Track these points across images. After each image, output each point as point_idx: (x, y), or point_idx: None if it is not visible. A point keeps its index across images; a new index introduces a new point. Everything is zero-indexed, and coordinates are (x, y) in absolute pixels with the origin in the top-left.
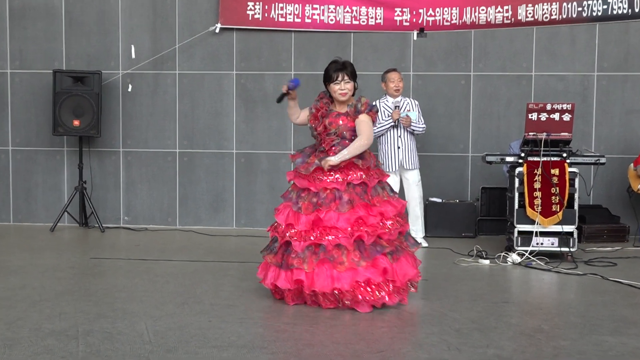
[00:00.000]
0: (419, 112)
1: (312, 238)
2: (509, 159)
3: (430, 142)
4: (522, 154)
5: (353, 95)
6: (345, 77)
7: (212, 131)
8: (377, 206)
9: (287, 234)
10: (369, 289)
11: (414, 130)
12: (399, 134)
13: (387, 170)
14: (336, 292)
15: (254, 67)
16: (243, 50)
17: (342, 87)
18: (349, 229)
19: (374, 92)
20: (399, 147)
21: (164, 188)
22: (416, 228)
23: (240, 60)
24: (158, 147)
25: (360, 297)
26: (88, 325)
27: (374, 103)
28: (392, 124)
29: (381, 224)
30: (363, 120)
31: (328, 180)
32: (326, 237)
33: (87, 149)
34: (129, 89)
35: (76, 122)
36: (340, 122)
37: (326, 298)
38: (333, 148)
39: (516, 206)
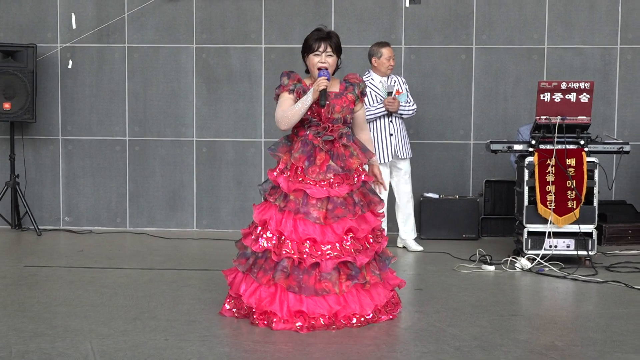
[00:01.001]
0: (407, 91)
1: (335, 254)
2: (517, 147)
3: (425, 128)
4: (533, 142)
5: (334, 73)
6: (328, 49)
7: (168, 116)
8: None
9: (305, 250)
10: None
11: (401, 114)
12: (390, 119)
13: (379, 161)
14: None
15: (217, 39)
16: (204, 20)
17: (322, 60)
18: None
19: (359, 68)
20: (391, 134)
21: (111, 183)
22: (407, 228)
23: (201, 32)
24: (104, 135)
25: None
26: (23, 345)
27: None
28: (384, 112)
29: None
30: (364, 109)
31: (346, 185)
32: (351, 251)
33: (20, 136)
34: (69, 66)
35: (6, 105)
36: (344, 103)
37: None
38: (339, 138)
39: (526, 202)
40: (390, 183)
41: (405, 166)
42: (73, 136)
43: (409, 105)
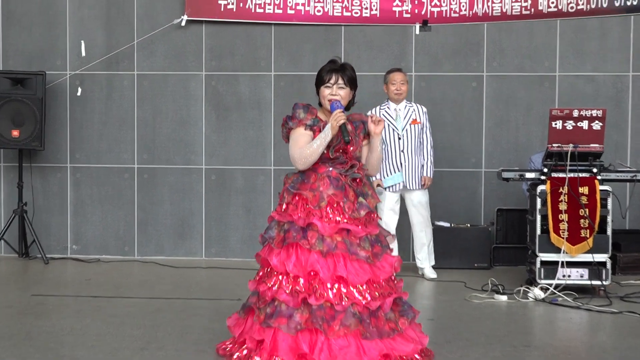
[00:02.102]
0: (426, 120)
1: (388, 291)
2: (529, 175)
3: (436, 156)
4: (545, 170)
5: (347, 109)
6: (340, 81)
7: (177, 143)
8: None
9: (367, 293)
10: None
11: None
12: (401, 148)
13: (388, 190)
14: None
15: (226, 66)
16: (214, 47)
17: (333, 92)
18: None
19: (369, 96)
20: (401, 165)
21: (119, 211)
22: (421, 256)
23: (211, 59)
24: (113, 162)
25: None
26: None
27: (372, 111)
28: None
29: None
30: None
31: (372, 223)
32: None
33: (29, 164)
34: (78, 93)
35: (15, 133)
36: (360, 142)
37: None
38: (363, 176)
39: (538, 231)
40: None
41: (417, 197)
42: (81, 164)
43: (428, 140)
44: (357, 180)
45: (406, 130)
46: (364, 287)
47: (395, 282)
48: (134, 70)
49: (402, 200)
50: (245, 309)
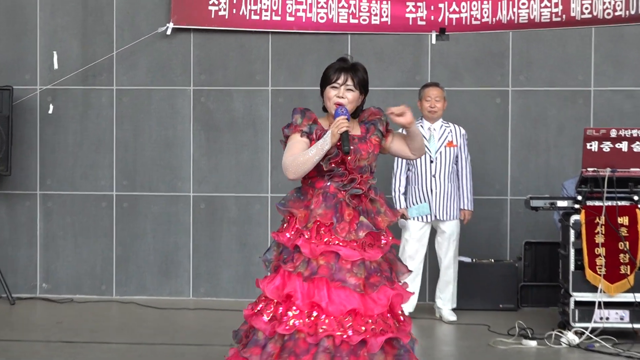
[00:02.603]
0: (464, 144)
1: (381, 329)
2: (561, 203)
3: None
4: (579, 197)
5: (354, 116)
6: (349, 82)
7: (161, 168)
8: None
9: (348, 326)
10: None
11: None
12: (433, 172)
13: (416, 219)
14: None
15: (217, 80)
16: (204, 59)
17: (339, 94)
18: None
19: None
20: (432, 191)
21: (95, 245)
22: (445, 296)
23: (200, 72)
24: (88, 190)
25: None
26: None
27: (400, 131)
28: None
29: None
30: (396, 132)
31: (377, 247)
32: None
33: None
34: (50, 111)
35: None
36: (369, 149)
37: None
38: (370, 192)
39: (572, 267)
40: (435, 244)
41: (449, 228)
42: (53, 191)
43: (467, 175)
44: (361, 197)
45: (440, 152)
46: (348, 318)
47: (401, 320)
48: (112, 85)
49: (431, 235)
50: (238, 338)
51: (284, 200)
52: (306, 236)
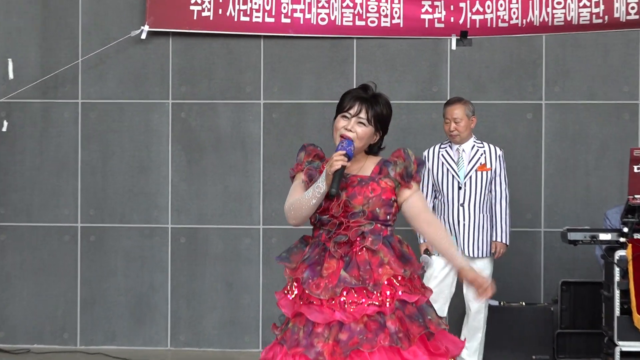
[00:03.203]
0: (501, 167)
1: None
2: (603, 236)
3: None
4: (625, 229)
5: (371, 151)
6: (362, 114)
7: (134, 195)
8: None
9: None
10: None
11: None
12: (461, 201)
13: (437, 254)
14: None
15: (201, 93)
16: (184, 68)
17: (348, 126)
18: None
19: (391, 132)
20: (459, 223)
21: (57, 285)
22: (471, 346)
23: (180, 83)
24: (49, 221)
25: None
26: None
27: (427, 151)
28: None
29: None
30: (420, 195)
31: (366, 304)
32: None
33: None
34: (4, 128)
35: None
36: (371, 192)
37: None
38: (362, 240)
39: (617, 312)
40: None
41: (480, 267)
42: (7, 222)
43: (503, 203)
44: (352, 246)
45: (470, 177)
46: None
47: None
48: (77, 98)
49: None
50: None
51: (286, 252)
52: (292, 294)
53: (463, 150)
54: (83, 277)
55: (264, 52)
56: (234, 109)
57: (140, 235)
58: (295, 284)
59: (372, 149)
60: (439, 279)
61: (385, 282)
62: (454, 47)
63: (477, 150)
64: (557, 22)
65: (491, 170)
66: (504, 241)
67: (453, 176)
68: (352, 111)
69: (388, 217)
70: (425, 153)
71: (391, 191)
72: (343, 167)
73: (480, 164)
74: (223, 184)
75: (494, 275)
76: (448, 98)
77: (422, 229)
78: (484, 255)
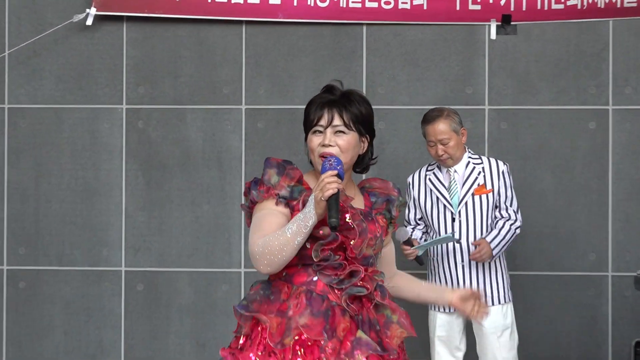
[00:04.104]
0: (506, 186)
1: None
2: None
3: (525, 249)
4: None
5: (362, 171)
6: (337, 121)
7: (77, 228)
8: None
9: None
10: None
11: (502, 252)
12: (456, 236)
13: (435, 307)
14: None
15: (163, 95)
16: (142, 63)
17: (325, 141)
18: None
19: (410, 147)
20: (457, 265)
21: None
22: None
23: (137, 82)
24: None
25: None
26: None
27: (412, 177)
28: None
29: None
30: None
31: None
32: None
33: None
34: None
35: None
36: (377, 230)
37: None
38: (376, 293)
39: None
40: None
41: (491, 320)
42: None
43: (507, 224)
44: (363, 301)
45: (465, 204)
46: None
47: None
48: (3, 103)
49: (468, 329)
50: None
51: (245, 300)
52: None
53: (455, 171)
54: (10, 334)
55: (245, 43)
56: (208, 117)
57: (84, 280)
58: (283, 347)
59: (363, 163)
60: (442, 342)
61: (399, 346)
62: (493, 35)
63: (474, 168)
64: (629, 2)
65: (493, 192)
66: (490, 242)
67: (445, 205)
68: (323, 121)
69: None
70: (409, 179)
71: (385, 230)
72: (338, 192)
73: (478, 184)
74: (193, 213)
75: (545, 333)
76: (486, 102)
77: (395, 276)
78: (496, 302)
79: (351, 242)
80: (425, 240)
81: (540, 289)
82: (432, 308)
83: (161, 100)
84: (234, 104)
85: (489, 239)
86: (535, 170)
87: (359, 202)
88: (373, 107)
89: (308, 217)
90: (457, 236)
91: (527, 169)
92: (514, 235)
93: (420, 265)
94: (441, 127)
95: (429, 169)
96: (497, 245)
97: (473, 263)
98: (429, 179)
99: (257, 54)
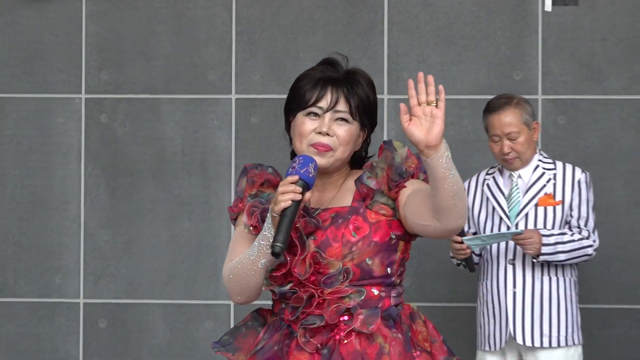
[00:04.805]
0: (583, 199)
1: None
2: None
3: (590, 276)
4: None
5: (363, 162)
6: (340, 104)
7: (22, 249)
8: None
9: None
10: None
11: (554, 260)
12: (510, 256)
13: (484, 345)
14: None
15: (133, 82)
16: (107, 41)
17: (323, 129)
18: None
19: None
20: (507, 292)
21: None
22: None
23: (99, 66)
24: None
25: None
26: None
27: (464, 185)
28: (457, 262)
29: None
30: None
31: None
32: None
33: None
34: None
35: None
36: (354, 232)
37: None
38: (348, 320)
39: None
40: None
41: None
42: None
43: (580, 239)
44: (333, 326)
45: (526, 217)
46: None
47: None
48: None
49: None
50: None
51: (227, 335)
52: None
53: (519, 176)
54: None
55: (236, 15)
56: (188, 109)
57: (32, 315)
58: None
59: (359, 160)
60: None
61: None
62: (548, 7)
63: (543, 173)
64: None
65: (563, 205)
66: (543, 240)
67: (501, 218)
68: (324, 103)
69: (389, 270)
70: (465, 185)
71: (388, 223)
72: (296, 205)
73: (545, 193)
74: (170, 231)
75: None
76: (539, 92)
77: (431, 196)
78: (559, 344)
79: (295, 271)
80: (475, 234)
81: (609, 326)
82: (480, 347)
83: (130, 88)
84: (222, 92)
85: (545, 232)
86: (601, 177)
87: (344, 199)
88: (398, 96)
89: (268, 235)
90: (510, 256)
91: (593, 176)
92: (583, 255)
93: (470, 271)
94: (509, 118)
95: (489, 172)
96: (551, 246)
97: (529, 289)
98: (487, 185)
99: (251, 30)
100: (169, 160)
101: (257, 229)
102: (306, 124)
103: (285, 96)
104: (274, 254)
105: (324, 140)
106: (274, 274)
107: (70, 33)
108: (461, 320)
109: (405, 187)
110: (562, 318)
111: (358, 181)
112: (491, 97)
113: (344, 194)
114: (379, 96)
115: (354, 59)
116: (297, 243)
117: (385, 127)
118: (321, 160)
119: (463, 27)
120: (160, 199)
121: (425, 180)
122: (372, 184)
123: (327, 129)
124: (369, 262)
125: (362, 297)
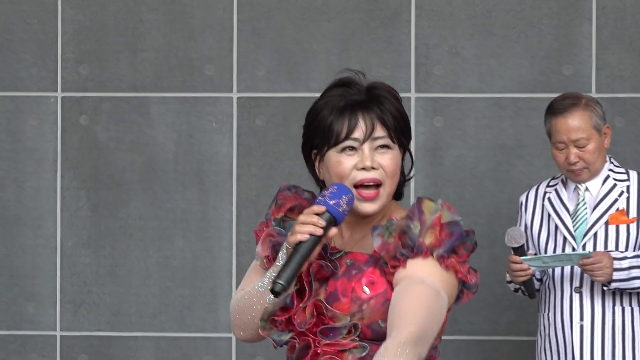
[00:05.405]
0: None
1: None
2: None
3: None
4: None
5: (403, 186)
6: (378, 130)
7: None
8: None
9: None
10: None
11: (628, 287)
12: (576, 283)
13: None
14: None
15: (117, 79)
16: (86, 31)
17: (366, 163)
18: None
19: (480, 151)
20: (572, 325)
21: None
22: None
23: (78, 60)
24: None
25: None
26: None
27: (525, 196)
28: (515, 287)
29: None
30: (424, 265)
31: None
32: None
33: None
34: None
35: None
36: (366, 289)
37: None
38: None
39: None
40: None
41: None
42: None
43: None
44: None
45: (594, 237)
46: None
47: None
48: None
49: None
50: None
51: None
52: None
53: (586, 189)
54: None
55: (238, 1)
56: (182, 110)
57: (2, 349)
58: None
59: (399, 194)
60: None
61: None
62: None
63: (614, 185)
64: None
65: (638, 221)
66: (615, 265)
67: (565, 238)
68: (359, 133)
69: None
70: (522, 198)
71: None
72: (315, 241)
73: (617, 209)
74: (161, 252)
75: None
76: (593, 88)
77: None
78: None
79: (296, 319)
80: (536, 254)
81: None
82: None
83: (114, 85)
84: (221, 90)
85: (617, 255)
86: None
87: (367, 244)
88: (428, 95)
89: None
90: (577, 283)
91: None
92: None
93: (530, 297)
94: (577, 121)
95: (550, 184)
96: (624, 271)
97: (598, 322)
98: (549, 199)
99: (255, 18)
100: (160, 169)
101: (270, 262)
102: (344, 163)
103: (294, 95)
104: (273, 291)
105: (371, 175)
106: (276, 318)
107: (44, 20)
108: (504, 355)
109: (405, 266)
110: (637, 355)
111: (404, 234)
112: (535, 95)
113: (364, 240)
114: (405, 95)
115: (375, 51)
116: (307, 288)
117: (413, 131)
118: (371, 207)
119: (504, 14)
120: (150, 215)
121: (442, 260)
122: (377, 243)
123: (370, 163)
124: (382, 324)
125: (364, 353)
